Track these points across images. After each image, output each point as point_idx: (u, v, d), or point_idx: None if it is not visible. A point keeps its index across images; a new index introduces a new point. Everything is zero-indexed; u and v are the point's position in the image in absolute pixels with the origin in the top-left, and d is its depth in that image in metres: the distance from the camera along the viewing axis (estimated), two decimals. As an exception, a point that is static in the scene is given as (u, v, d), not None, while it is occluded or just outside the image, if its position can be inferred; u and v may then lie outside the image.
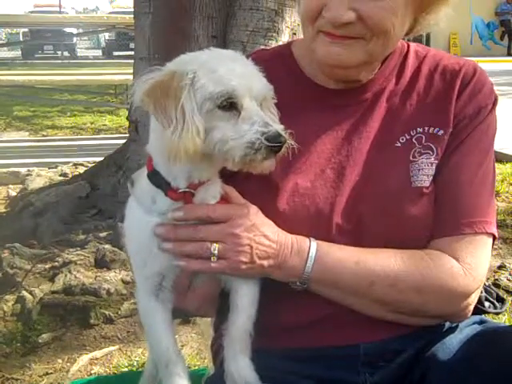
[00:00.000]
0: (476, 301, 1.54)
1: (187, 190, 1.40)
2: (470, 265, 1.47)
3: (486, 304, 1.68)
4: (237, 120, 1.29)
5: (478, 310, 1.63)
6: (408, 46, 1.64)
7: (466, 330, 1.53)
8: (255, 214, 1.44)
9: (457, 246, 1.48)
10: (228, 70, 1.31)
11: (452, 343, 1.49)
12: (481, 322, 1.58)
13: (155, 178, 1.41)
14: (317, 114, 1.58)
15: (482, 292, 1.66)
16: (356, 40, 1.44)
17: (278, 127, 1.31)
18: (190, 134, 1.26)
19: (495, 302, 1.71)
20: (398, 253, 1.48)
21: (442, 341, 1.51)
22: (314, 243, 1.45)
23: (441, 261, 1.47)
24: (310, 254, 1.44)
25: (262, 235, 1.42)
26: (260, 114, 1.31)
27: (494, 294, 1.73)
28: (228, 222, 1.41)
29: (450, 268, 1.46)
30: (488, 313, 1.69)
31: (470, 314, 1.53)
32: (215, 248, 1.39)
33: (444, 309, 1.50)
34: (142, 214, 1.43)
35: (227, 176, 1.46)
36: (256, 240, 1.41)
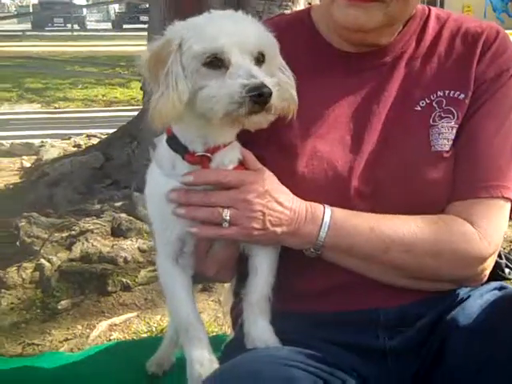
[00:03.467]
0: (492, 266, 1.53)
1: (204, 154, 1.40)
2: (486, 229, 1.47)
3: (506, 270, 1.67)
4: (225, 77, 1.27)
5: (499, 276, 1.63)
6: (429, 10, 1.62)
7: (486, 295, 1.53)
8: (269, 180, 1.43)
9: (472, 210, 1.48)
10: (216, 28, 1.30)
11: (472, 308, 1.49)
12: (501, 288, 1.58)
13: (173, 142, 1.42)
14: (335, 79, 1.57)
15: (502, 258, 1.67)
16: (375, 3, 1.43)
17: (268, 79, 1.28)
18: (170, 98, 1.26)
19: (516, 267, 1.71)
20: (412, 218, 1.47)
21: (461, 306, 1.51)
22: (328, 210, 1.44)
23: (455, 225, 1.47)
24: (324, 221, 1.42)
25: (276, 201, 1.41)
26: (247, 68, 1.27)
27: (512, 259, 1.73)
28: (240, 187, 1.40)
29: (464, 232, 1.46)
30: (508, 279, 1.69)
31: (486, 278, 1.53)
32: (226, 214, 1.38)
33: (459, 273, 1.50)
34: (163, 178, 1.43)
35: (247, 140, 1.46)
36: (269, 206, 1.40)
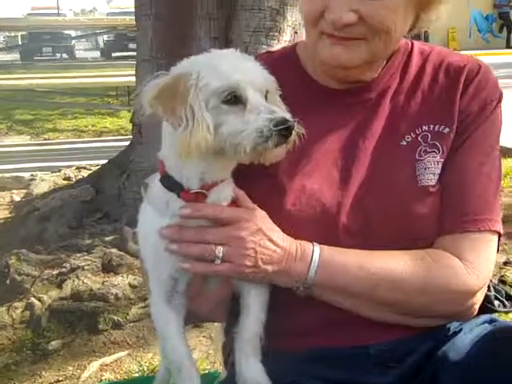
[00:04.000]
0: (482, 299, 1.53)
1: (199, 190, 1.40)
2: (474, 263, 1.47)
3: (496, 303, 1.66)
4: (244, 112, 1.30)
5: (488, 309, 1.63)
6: (412, 44, 1.64)
7: (477, 329, 1.52)
8: (262, 219, 1.43)
9: (460, 244, 1.48)
10: (229, 65, 1.34)
11: (463, 343, 1.48)
12: (491, 321, 1.57)
13: (168, 181, 1.42)
14: (322, 115, 1.58)
15: (491, 291, 1.66)
16: (358, 41, 1.44)
17: (285, 114, 1.33)
18: (200, 130, 1.28)
19: (504, 300, 1.70)
20: (400, 255, 1.47)
21: (451, 341, 1.50)
22: (317, 248, 1.44)
23: (443, 260, 1.47)
24: (314, 259, 1.43)
25: (268, 240, 1.41)
26: (265, 104, 1.32)
27: (503, 292, 1.72)
28: (234, 224, 1.40)
29: (452, 267, 1.46)
30: (498, 312, 1.68)
31: (476, 312, 1.53)
32: (220, 250, 1.38)
33: (448, 308, 1.49)
34: (155, 217, 1.44)
35: (235, 176, 1.46)
36: (261, 244, 1.40)
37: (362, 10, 1.40)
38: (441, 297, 1.47)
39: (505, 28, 27.97)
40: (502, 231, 1.53)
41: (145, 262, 1.51)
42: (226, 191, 1.44)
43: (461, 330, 1.53)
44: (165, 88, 1.32)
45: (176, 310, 1.48)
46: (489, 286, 1.64)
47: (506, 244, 4.35)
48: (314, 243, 1.45)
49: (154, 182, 1.46)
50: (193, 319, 1.61)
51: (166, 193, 1.43)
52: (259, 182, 1.49)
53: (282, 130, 1.28)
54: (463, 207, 1.50)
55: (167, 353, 1.51)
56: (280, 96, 1.45)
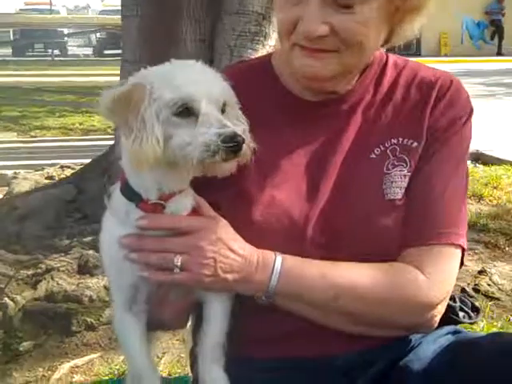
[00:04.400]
0: (443, 312, 1.54)
1: (158, 201, 1.41)
2: (435, 276, 1.48)
3: (461, 314, 1.68)
4: (195, 125, 1.30)
5: (453, 320, 1.64)
6: (387, 57, 1.65)
7: (440, 340, 1.53)
8: (223, 228, 1.44)
9: (423, 257, 1.49)
10: (183, 77, 1.34)
11: (426, 353, 1.49)
12: (454, 333, 1.58)
13: (127, 190, 1.42)
14: (294, 126, 1.58)
15: (456, 301, 1.68)
16: (330, 53, 1.45)
17: (237, 128, 1.32)
18: (149, 142, 1.28)
19: (470, 312, 1.71)
20: (364, 266, 1.48)
21: (415, 351, 1.51)
22: (279, 257, 1.45)
23: (405, 273, 1.48)
24: (275, 268, 1.44)
25: (228, 249, 1.42)
26: (218, 117, 1.32)
27: (469, 303, 1.74)
28: (193, 234, 1.41)
29: (414, 280, 1.47)
30: (463, 323, 1.69)
31: (437, 324, 1.54)
32: (178, 260, 1.39)
33: (409, 319, 1.51)
34: (116, 226, 1.44)
35: (201, 185, 1.46)
36: (221, 253, 1.41)
37: (334, 23, 1.41)
38: (402, 308, 1.49)
39: (496, 35, 28.10)
40: (465, 245, 1.54)
41: (106, 270, 1.52)
42: (185, 201, 1.45)
43: (423, 341, 1.54)
44: (120, 97, 1.33)
45: (137, 317, 1.48)
46: (453, 297, 1.67)
47: (482, 253, 4.37)
48: (277, 252, 1.46)
49: (116, 190, 1.47)
50: (156, 326, 1.61)
51: (126, 202, 1.43)
52: (225, 191, 1.50)
53: (230, 146, 1.27)
54: (427, 220, 1.51)
55: (128, 360, 1.53)
56: (243, 109, 1.45)
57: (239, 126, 1.39)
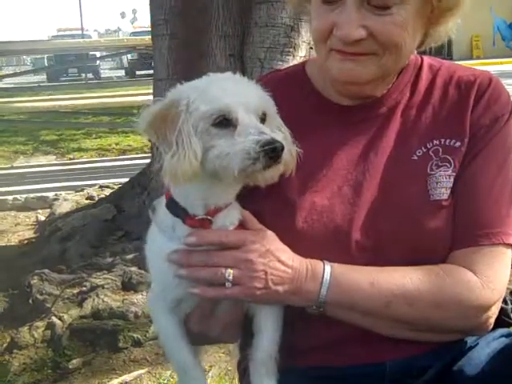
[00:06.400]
0: (497, 313, 1.51)
1: (205, 216, 1.41)
2: (488, 277, 1.45)
3: (513, 316, 1.65)
4: (234, 135, 1.30)
5: (505, 322, 1.61)
6: (422, 60, 1.64)
7: (494, 343, 1.51)
8: (270, 239, 1.43)
9: (474, 258, 1.47)
10: (219, 89, 1.34)
11: (479, 357, 1.47)
12: (508, 335, 1.56)
13: (173, 206, 1.42)
14: (333, 132, 1.58)
15: (507, 304, 1.64)
16: (368, 56, 1.45)
17: (275, 135, 1.32)
18: (186, 156, 1.28)
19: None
20: (413, 270, 1.46)
21: (468, 355, 1.49)
22: (327, 267, 1.44)
23: (457, 275, 1.46)
24: (325, 278, 1.42)
25: (277, 260, 1.41)
26: (256, 126, 1.31)
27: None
28: (242, 247, 1.40)
29: (466, 282, 1.45)
30: (512, 325, 1.66)
31: (491, 326, 1.51)
32: (229, 273, 1.38)
33: (464, 323, 1.48)
34: (163, 240, 1.44)
35: (244, 196, 1.47)
36: (270, 265, 1.40)
37: (371, 26, 1.41)
38: (455, 312, 1.46)
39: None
40: None
41: (152, 281, 1.53)
42: (232, 216, 1.45)
43: (477, 344, 1.53)
44: (158, 114, 1.34)
45: (177, 316, 1.48)
46: (505, 300, 1.63)
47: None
48: (325, 261, 1.45)
49: (161, 205, 1.47)
50: (204, 341, 1.62)
51: (172, 218, 1.43)
52: (269, 201, 1.50)
53: (269, 151, 1.27)
54: (476, 221, 1.49)
55: (171, 355, 1.51)
56: (282, 117, 1.45)
57: (279, 134, 1.38)
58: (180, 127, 1.30)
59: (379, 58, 1.45)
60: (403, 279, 1.44)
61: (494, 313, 1.49)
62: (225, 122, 1.31)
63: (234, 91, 1.34)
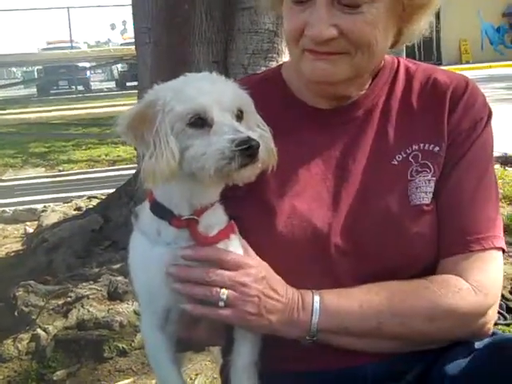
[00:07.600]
0: (495, 317, 1.51)
1: (191, 217, 1.39)
2: (480, 282, 1.45)
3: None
4: (209, 135, 1.29)
5: None
6: (398, 62, 1.64)
7: (476, 343, 1.49)
8: (266, 268, 1.43)
9: (465, 265, 1.46)
10: (194, 89, 1.33)
11: (462, 357, 1.45)
12: (491, 334, 1.54)
13: (157, 209, 1.41)
14: (309, 135, 1.58)
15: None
16: (340, 55, 1.45)
17: (252, 133, 1.31)
18: (164, 156, 1.27)
19: (505, 313, 1.68)
20: (401, 287, 1.46)
21: (450, 355, 1.47)
22: (316, 296, 1.44)
23: (447, 285, 1.45)
24: (315, 307, 1.42)
25: (271, 289, 1.41)
26: (231, 124, 1.30)
27: (504, 305, 1.70)
28: (240, 269, 1.39)
29: (458, 290, 1.44)
30: (498, 324, 1.65)
31: (491, 330, 1.50)
32: (224, 293, 1.37)
33: (461, 331, 1.47)
34: (148, 245, 1.42)
35: (227, 200, 1.45)
36: (265, 293, 1.40)
37: (342, 25, 1.41)
38: (451, 322, 1.45)
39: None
40: (505, 247, 1.51)
41: (137, 292, 1.49)
42: (218, 215, 1.44)
43: (460, 344, 1.50)
44: (135, 115, 1.33)
45: (168, 337, 1.46)
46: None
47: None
48: (314, 291, 1.44)
49: (144, 210, 1.45)
50: (189, 347, 1.60)
51: (156, 221, 1.41)
52: (248, 203, 1.50)
53: (244, 150, 1.25)
54: (464, 227, 1.48)
55: (160, 380, 1.51)
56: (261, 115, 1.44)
57: (256, 131, 1.37)
58: (157, 127, 1.29)
59: (351, 57, 1.45)
60: (391, 298, 1.44)
61: (491, 317, 1.49)
62: (200, 121, 1.30)
63: (208, 90, 1.33)
